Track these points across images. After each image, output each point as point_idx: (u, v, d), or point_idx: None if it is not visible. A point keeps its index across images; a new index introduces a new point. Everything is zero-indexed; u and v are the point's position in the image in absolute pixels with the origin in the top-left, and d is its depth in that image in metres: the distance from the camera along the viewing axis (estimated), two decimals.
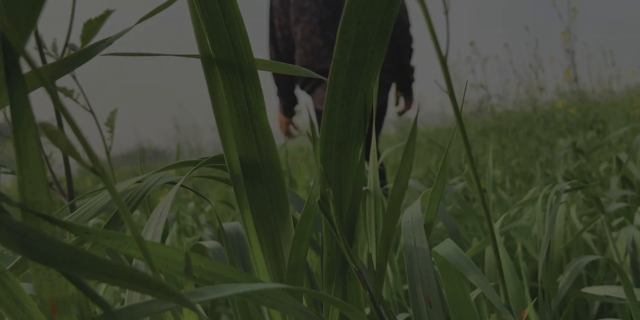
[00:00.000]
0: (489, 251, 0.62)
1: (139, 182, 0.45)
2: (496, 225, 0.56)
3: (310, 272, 0.40)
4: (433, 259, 0.37)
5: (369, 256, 0.47)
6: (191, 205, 2.10)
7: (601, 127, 3.07)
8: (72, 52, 0.77)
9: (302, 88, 2.05)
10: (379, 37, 0.25)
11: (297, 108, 2.19)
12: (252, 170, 0.38)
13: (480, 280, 0.30)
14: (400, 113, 2.25)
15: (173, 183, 0.55)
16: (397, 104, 2.21)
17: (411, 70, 2.07)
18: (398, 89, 2.14)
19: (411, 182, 1.46)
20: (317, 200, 0.28)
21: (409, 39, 1.99)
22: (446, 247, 0.34)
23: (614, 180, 1.57)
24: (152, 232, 0.29)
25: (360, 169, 0.29)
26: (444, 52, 0.23)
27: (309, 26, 1.91)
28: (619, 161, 1.61)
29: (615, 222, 1.39)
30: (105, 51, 0.33)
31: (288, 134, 2.21)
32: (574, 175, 1.87)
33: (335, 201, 0.29)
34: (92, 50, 0.29)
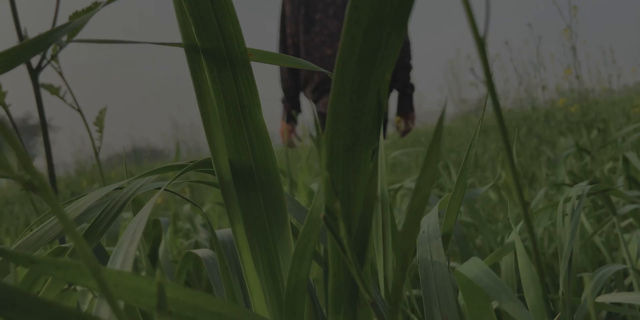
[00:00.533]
0: (505, 260, 0.57)
1: (119, 188, 0.40)
2: (515, 233, 0.52)
3: (313, 292, 0.36)
4: (455, 278, 0.32)
5: (373, 268, 0.43)
6: (187, 207, 2.06)
7: (601, 126, 3.04)
8: (58, 46, 0.72)
9: (307, 96, 2.10)
10: (398, 14, 0.20)
11: (299, 116, 2.22)
12: (245, 176, 0.33)
13: (518, 310, 0.25)
14: (404, 133, 2.28)
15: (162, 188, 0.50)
16: (398, 127, 2.23)
17: (411, 87, 2.12)
18: (398, 108, 2.18)
19: (413, 184, 1.42)
20: (322, 215, 0.23)
21: (407, 55, 2.06)
22: (473, 267, 0.29)
23: (620, 181, 1.53)
24: (122, 255, 0.24)
25: (373, 177, 0.25)
26: (481, 33, 0.18)
27: (319, 37, 1.99)
28: (625, 160, 1.57)
29: (623, 224, 1.34)
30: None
31: (290, 144, 2.24)
32: (578, 175, 1.83)
33: (344, 216, 0.24)
34: (52, 36, 0.24)
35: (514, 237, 0.55)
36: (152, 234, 0.86)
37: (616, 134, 1.95)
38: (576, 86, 4.14)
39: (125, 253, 0.24)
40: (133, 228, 0.26)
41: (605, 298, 0.70)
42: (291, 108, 2.14)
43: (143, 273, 0.94)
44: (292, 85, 2.08)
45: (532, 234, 0.22)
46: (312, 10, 2.00)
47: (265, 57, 0.36)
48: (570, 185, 1.39)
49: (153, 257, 0.87)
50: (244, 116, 0.33)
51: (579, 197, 0.55)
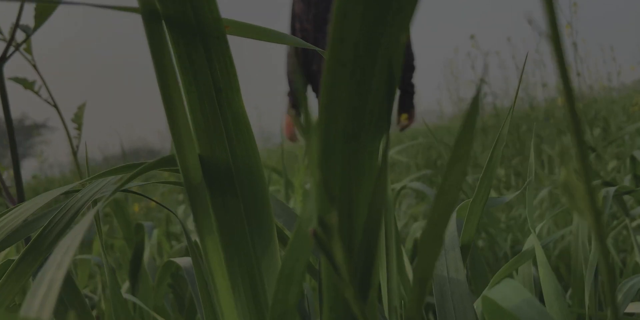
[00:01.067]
0: (522, 270, 0.51)
1: (74, 191, 0.34)
2: (535, 239, 0.45)
3: (307, 318, 0.29)
4: (481, 304, 0.26)
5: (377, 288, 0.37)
6: (182, 208, 1.99)
7: (602, 124, 3.00)
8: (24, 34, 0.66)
9: (314, 89, 2.14)
10: None
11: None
12: (220, 177, 0.27)
13: None
14: (404, 128, 2.34)
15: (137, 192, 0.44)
16: (398, 121, 2.29)
17: (412, 86, 2.20)
18: (400, 106, 2.27)
19: (415, 184, 1.35)
20: (311, 231, 0.17)
21: (410, 56, 2.14)
22: (508, 293, 0.23)
23: (627, 180, 1.48)
24: (45, 286, 0.17)
25: (382, 177, 0.18)
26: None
27: None
28: (632, 159, 1.52)
29: (632, 225, 1.29)
30: None
31: (293, 137, 2.28)
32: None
33: (343, 229, 0.18)
34: None
35: (533, 242, 0.49)
36: (135, 240, 0.79)
37: (618, 132, 1.90)
38: (576, 84, 4.09)
39: (49, 283, 0.18)
40: (62, 250, 0.19)
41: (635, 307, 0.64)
42: (296, 101, 2.19)
43: (126, 283, 0.88)
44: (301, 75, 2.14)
45: (605, 253, 0.16)
46: (323, 11, 2.06)
47: (244, 30, 0.29)
48: None
49: (135, 264, 0.80)
50: (220, 103, 0.27)
51: (604, 199, 0.49)
